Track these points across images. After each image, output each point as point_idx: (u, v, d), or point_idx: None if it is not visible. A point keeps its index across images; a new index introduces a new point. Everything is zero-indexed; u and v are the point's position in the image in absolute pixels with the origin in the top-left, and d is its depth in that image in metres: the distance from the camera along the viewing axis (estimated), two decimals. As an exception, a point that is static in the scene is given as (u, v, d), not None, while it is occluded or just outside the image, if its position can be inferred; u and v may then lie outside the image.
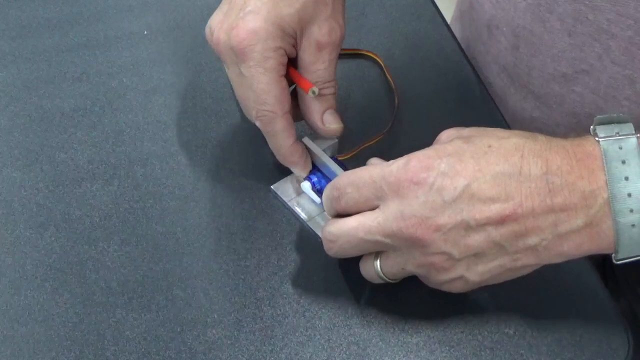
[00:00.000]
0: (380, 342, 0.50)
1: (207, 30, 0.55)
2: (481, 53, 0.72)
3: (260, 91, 0.52)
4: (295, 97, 0.56)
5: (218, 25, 0.53)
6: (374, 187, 0.47)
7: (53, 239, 0.55)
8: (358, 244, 0.48)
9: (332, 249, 0.49)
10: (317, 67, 0.54)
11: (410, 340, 0.50)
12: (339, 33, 0.54)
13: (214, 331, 0.50)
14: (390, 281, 0.50)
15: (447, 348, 0.50)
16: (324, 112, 0.55)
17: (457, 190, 0.45)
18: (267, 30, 0.51)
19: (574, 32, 0.59)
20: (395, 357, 0.50)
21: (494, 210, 0.44)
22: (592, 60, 0.59)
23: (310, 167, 0.56)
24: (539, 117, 0.67)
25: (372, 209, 0.47)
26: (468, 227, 0.45)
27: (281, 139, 0.54)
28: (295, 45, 0.53)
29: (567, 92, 0.63)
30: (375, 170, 0.47)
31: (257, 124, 0.54)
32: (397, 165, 0.46)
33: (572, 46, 0.60)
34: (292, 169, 0.56)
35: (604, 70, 0.59)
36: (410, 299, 0.52)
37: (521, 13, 0.63)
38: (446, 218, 0.45)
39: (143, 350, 0.49)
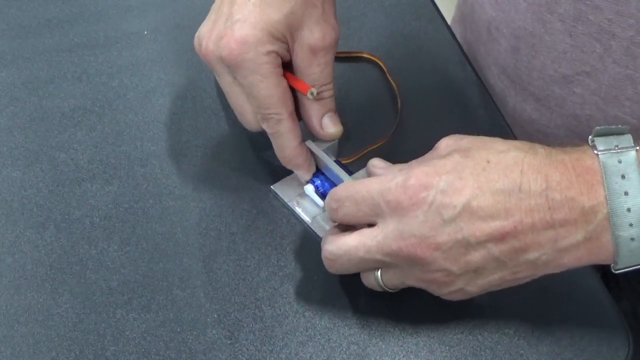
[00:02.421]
0: (380, 342, 0.50)
1: (195, 40, 0.54)
2: (482, 55, 0.72)
3: (262, 97, 0.52)
4: (295, 98, 0.56)
5: (207, 35, 0.53)
6: (372, 204, 0.47)
7: (53, 239, 0.55)
8: (358, 263, 0.48)
9: (333, 267, 0.50)
10: (313, 70, 0.53)
11: (410, 340, 0.50)
12: (333, 36, 0.54)
13: (214, 331, 0.50)
14: (391, 291, 0.50)
15: (447, 348, 0.50)
16: (322, 116, 0.55)
17: (456, 209, 0.44)
18: (256, 37, 0.51)
19: (575, 33, 0.58)
20: (395, 357, 0.50)
21: (493, 227, 0.44)
22: (593, 61, 0.59)
23: (314, 169, 0.56)
24: (538, 119, 0.67)
25: (371, 223, 0.47)
26: (468, 244, 0.45)
27: (287, 140, 0.53)
28: (289, 50, 0.53)
29: (568, 94, 0.62)
30: (374, 186, 0.47)
31: (264, 125, 0.53)
32: (395, 183, 0.46)
33: (573, 47, 0.59)
34: (297, 172, 0.56)
35: (605, 70, 0.58)
36: (411, 300, 0.52)
37: (522, 14, 0.63)
38: (446, 237, 0.45)
39: (143, 350, 0.49)
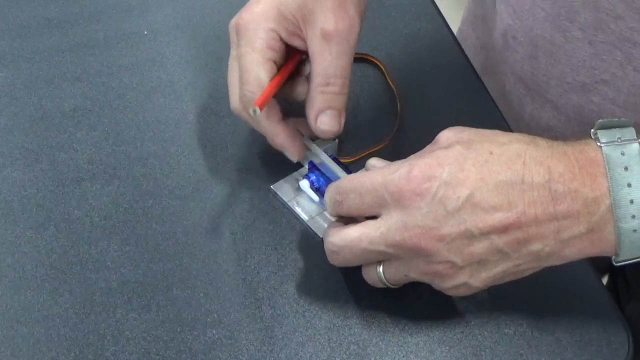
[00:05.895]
0: (380, 342, 0.50)
1: None
2: (497, 62, 0.72)
3: (243, 70, 0.52)
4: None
5: (237, 14, 0.54)
6: (375, 195, 0.47)
7: (53, 239, 0.55)
8: (362, 254, 0.48)
9: (336, 260, 0.49)
10: (324, 57, 0.52)
11: (410, 340, 0.50)
12: (347, 23, 0.53)
13: (214, 331, 0.50)
14: (393, 286, 0.50)
15: (447, 348, 0.50)
16: (321, 111, 0.54)
17: (460, 200, 0.45)
18: (265, 12, 0.52)
19: (595, 41, 0.58)
20: (395, 357, 0.50)
21: (497, 219, 0.44)
22: (613, 69, 0.59)
23: (302, 152, 0.55)
24: (556, 126, 0.66)
25: (375, 215, 0.47)
26: (471, 236, 0.45)
27: (262, 120, 0.53)
28: (299, 34, 0.53)
29: (586, 103, 0.62)
30: (377, 177, 0.47)
31: (240, 106, 0.54)
32: (398, 175, 0.46)
33: (593, 55, 0.59)
34: (284, 153, 0.55)
35: (626, 78, 0.58)
36: (411, 299, 0.52)
37: (540, 23, 0.62)
38: (449, 228, 0.45)
39: (143, 350, 0.49)
